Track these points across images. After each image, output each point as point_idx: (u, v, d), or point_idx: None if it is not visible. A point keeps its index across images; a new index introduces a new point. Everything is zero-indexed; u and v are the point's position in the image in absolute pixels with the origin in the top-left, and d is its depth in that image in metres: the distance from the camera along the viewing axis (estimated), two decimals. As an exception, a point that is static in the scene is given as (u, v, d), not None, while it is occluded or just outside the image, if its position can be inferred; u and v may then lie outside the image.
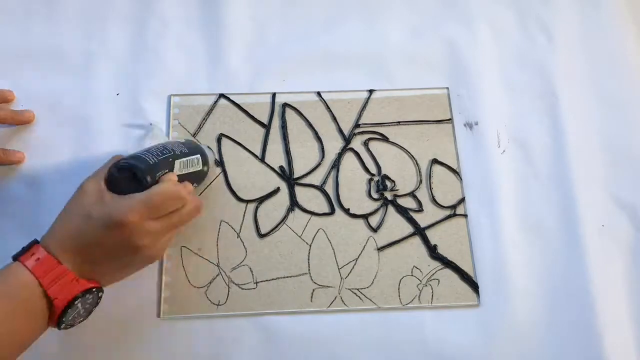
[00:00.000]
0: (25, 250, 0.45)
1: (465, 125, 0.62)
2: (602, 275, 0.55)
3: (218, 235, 0.57)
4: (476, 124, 0.62)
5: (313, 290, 0.55)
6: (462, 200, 0.58)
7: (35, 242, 0.45)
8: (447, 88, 0.63)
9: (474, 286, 0.55)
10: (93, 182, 0.47)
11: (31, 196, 0.57)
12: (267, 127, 0.61)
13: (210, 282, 0.55)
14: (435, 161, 0.60)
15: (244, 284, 0.55)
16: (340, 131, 0.61)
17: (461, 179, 0.59)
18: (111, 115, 0.60)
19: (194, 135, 0.60)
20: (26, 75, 0.62)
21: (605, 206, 0.58)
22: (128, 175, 0.46)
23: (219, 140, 0.60)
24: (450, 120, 0.62)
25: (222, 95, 0.62)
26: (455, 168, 0.60)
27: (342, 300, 0.55)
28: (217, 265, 0.56)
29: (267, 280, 0.55)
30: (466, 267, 0.56)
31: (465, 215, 0.58)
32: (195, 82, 0.63)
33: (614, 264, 0.56)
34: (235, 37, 0.64)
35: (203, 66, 0.63)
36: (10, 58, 0.63)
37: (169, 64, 0.63)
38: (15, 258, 0.45)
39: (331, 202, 0.58)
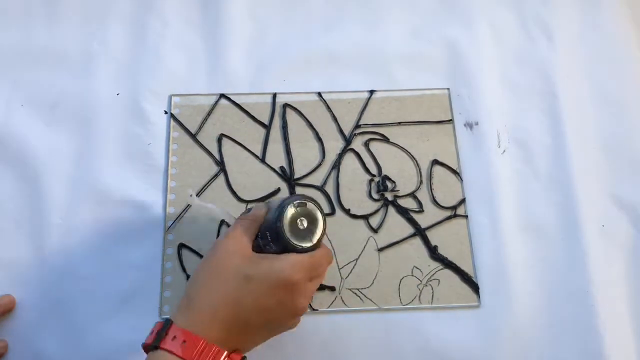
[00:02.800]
0: (162, 334, 0.40)
1: (465, 125, 0.62)
2: (602, 276, 0.55)
3: (218, 235, 0.57)
4: (476, 124, 0.62)
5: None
6: (463, 201, 0.58)
7: (168, 323, 0.41)
8: (448, 88, 0.63)
9: (474, 287, 0.55)
10: (234, 242, 0.44)
11: (31, 196, 0.57)
12: (267, 127, 0.61)
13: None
14: (435, 162, 0.60)
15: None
16: (341, 131, 0.61)
17: (461, 179, 0.59)
18: (111, 115, 0.60)
19: (195, 135, 0.60)
20: (26, 76, 0.62)
21: (605, 206, 0.58)
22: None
23: (219, 141, 0.60)
24: (450, 120, 0.62)
25: (222, 96, 0.62)
26: (455, 168, 0.60)
27: (342, 300, 0.55)
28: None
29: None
30: (466, 268, 0.56)
31: (466, 216, 0.58)
32: (195, 82, 0.63)
33: (614, 264, 0.56)
34: (236, 36, 0.64)
35: (203, 66, 0.63)
36: (10, 58, 0.63)
37: (169, 64, 0.63)
38: (150, 345, 0.40)
39: (332, 202, 0.58)
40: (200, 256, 0.56)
